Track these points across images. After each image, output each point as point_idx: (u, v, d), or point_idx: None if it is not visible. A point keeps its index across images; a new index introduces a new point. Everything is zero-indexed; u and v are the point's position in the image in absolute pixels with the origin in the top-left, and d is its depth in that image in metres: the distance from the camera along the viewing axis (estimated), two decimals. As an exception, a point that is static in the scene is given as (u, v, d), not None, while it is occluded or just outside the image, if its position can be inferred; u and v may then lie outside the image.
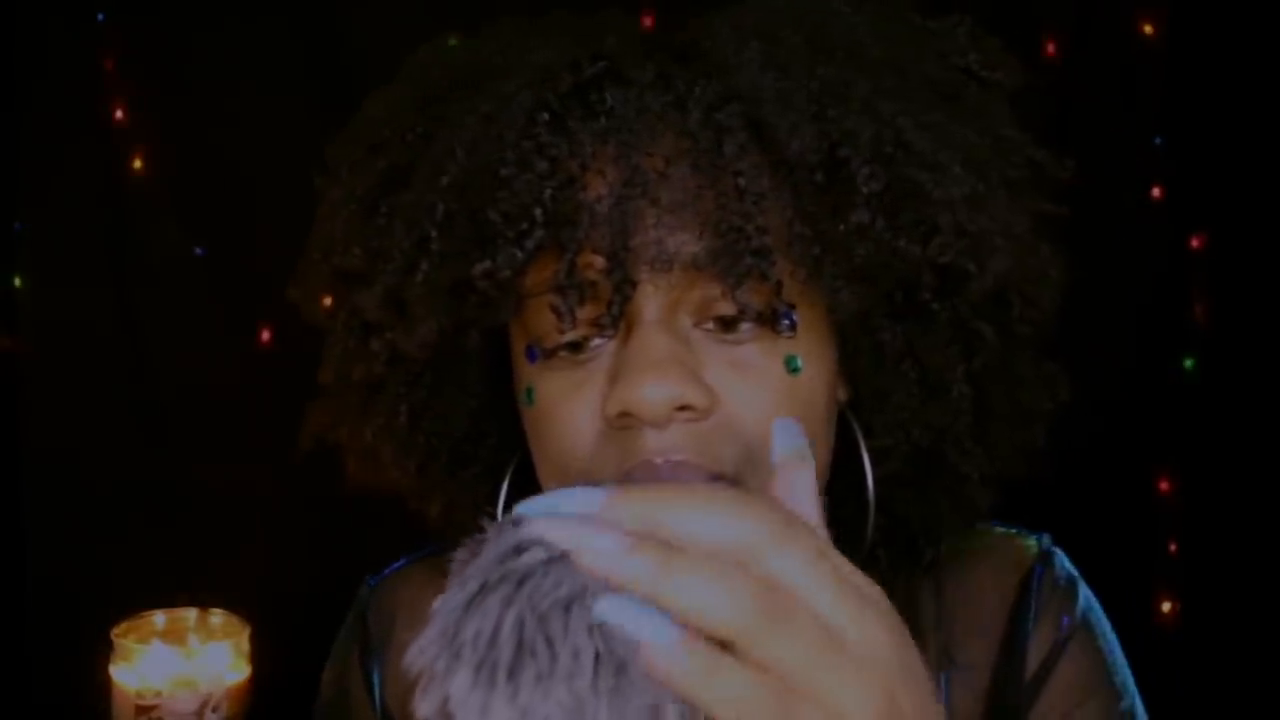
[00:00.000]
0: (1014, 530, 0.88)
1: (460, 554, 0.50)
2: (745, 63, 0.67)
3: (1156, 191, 1.87)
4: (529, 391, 0.71)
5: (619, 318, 0.66)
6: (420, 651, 0.46)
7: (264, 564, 1.79)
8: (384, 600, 0.93)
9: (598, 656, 0.44)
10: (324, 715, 0.95)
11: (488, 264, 0.65)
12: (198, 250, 1.87)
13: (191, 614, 0.98)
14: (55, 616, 1.83)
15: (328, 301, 0.80)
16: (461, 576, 0.48)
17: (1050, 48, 1.81)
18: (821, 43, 0.69)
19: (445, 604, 0.47)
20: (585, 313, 0.66)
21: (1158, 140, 1.86)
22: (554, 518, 0.45)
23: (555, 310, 0.65)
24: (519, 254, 0.65)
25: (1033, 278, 0.73)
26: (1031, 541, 0.87)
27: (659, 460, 0.64)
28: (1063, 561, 0.87)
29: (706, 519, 0.44)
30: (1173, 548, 1.91)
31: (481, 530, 0.49)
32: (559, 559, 0.46)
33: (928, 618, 0.83)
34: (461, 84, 0.72)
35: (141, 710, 0.91)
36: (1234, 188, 1.82)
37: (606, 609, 0.43)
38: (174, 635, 0.96)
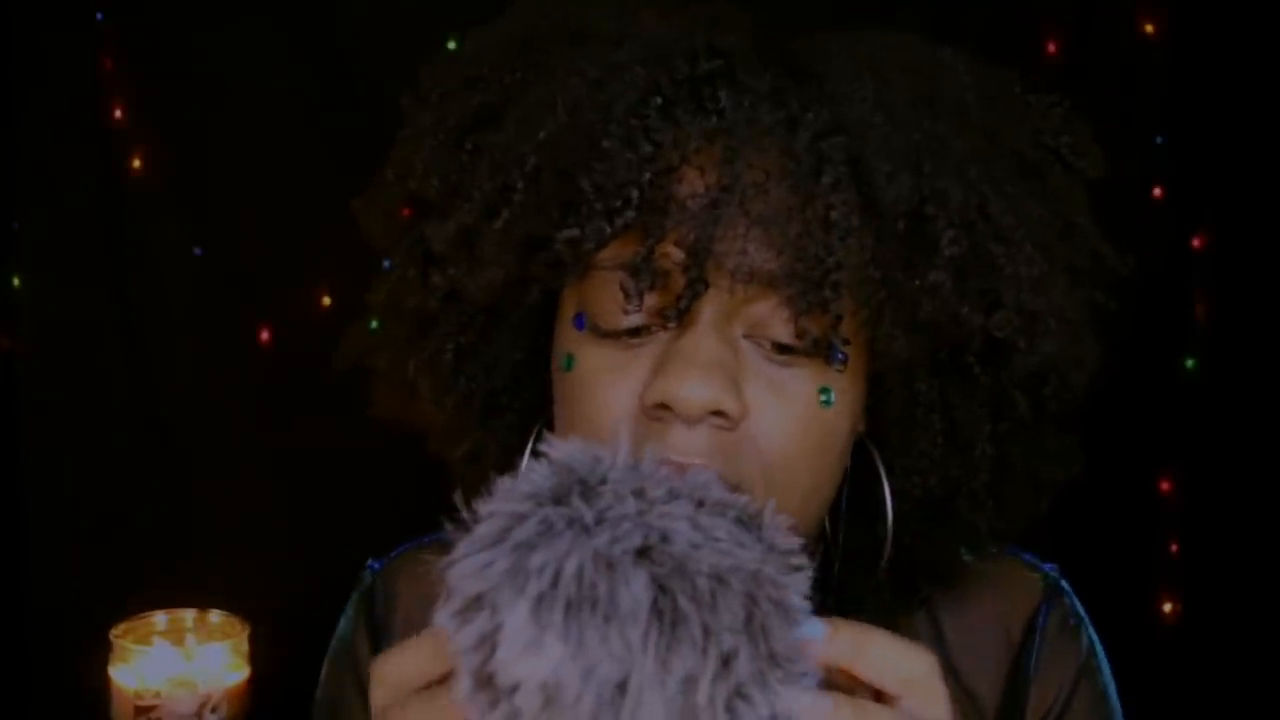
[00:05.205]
0: (1021, 557, 0.87)
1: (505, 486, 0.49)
2: (857, 98, 0.67)
3: (1157, 191, 1.86)
4: (569, 359, 0.71)
5: (684, 313, 0.66)
6: (478, 573, 0.45)
7: (264, 564, 1.79)
8: (389, 582, 0.94)
9: (654, 612, 0.44)
10: (327, 702, 0.94)
11: (574, 232, 0.66)
12: (197, 250, 1.86)
13: (191, 614, 0.98)
14: (55, 616, 1.83)
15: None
16: (512, 496, 0.47)
17: (1051, 47, 1.81)
18: (929, 94, 0.70)
19: (495, 522, 0.46)
20: (651, 300, 0.67)
21: (1159, 140, 1.86)
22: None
23: (625, 290, 0.66)
24: (607, 229, 0.65)
25: (1073, 363, 0.75)
26: (1037, 575, 0.87)
27: (678, 460, 0.65)
28: (1070, 599, 0.87)
29: (892, 659, 0.54)
30: (1174, 548, 1.91)
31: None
32: (645, 509, 0.46)
33: (923, 635, 0.84)
34: (568, 38, 0.72)
35: (141, 710, 0.91)
36: (1235, 187, 1.82)
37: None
38: (173, 635, 0.96)
